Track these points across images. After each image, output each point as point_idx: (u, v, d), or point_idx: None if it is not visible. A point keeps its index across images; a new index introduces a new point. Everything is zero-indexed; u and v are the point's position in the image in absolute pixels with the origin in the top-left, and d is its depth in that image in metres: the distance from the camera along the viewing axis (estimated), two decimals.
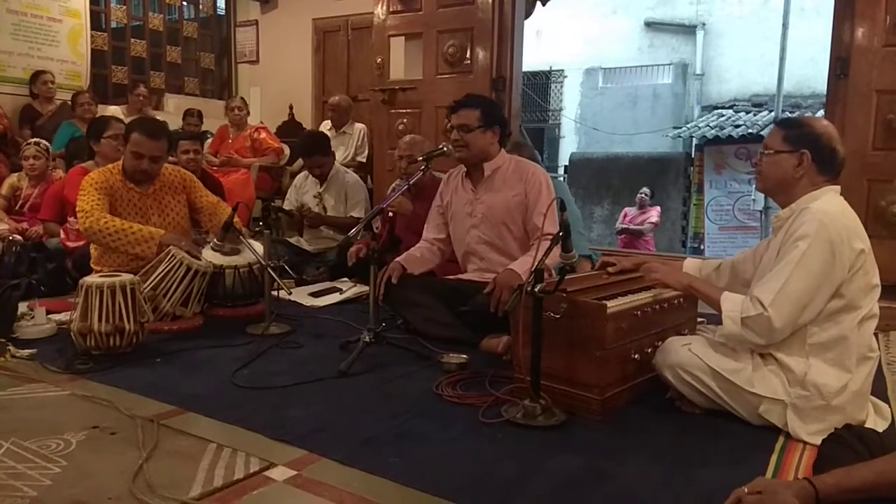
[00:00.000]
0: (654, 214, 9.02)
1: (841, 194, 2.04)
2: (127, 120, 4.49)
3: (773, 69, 10.44)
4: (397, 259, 3.07)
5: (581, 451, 1.89)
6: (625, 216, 9.13)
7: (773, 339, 1.95)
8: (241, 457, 1.77)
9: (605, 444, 1.94)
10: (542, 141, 13.43)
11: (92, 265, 3.29)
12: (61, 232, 3.96)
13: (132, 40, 6.89)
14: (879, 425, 1.99)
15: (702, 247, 10.46)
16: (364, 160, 5.75)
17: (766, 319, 1.90)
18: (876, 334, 2.09)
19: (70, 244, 3.84)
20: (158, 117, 5.16)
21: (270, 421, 2.03)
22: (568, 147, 13.10)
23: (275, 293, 3.09)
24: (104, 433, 1.92)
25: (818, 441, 1.74)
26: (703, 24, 12.01)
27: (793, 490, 1.21)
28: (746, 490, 1.25)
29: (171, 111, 6.67)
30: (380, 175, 5.42)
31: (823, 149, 1.99)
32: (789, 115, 10.32)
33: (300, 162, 5.22)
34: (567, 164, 12.30)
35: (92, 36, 6.40)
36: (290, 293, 3.12)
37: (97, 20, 6.58)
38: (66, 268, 3.71)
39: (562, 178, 11.46)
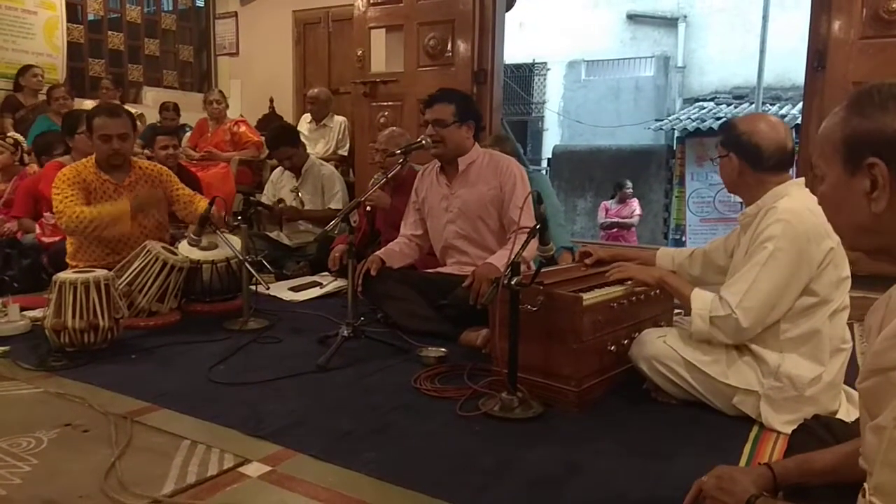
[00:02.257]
0: (637, 206, 9.05)
1: None
2: None
3: (753, 61, 10.50)
4: (376, 252, 3.06)
5: (558, 442, 1.89)
6: (606, 210, 9.14)
7: (741, 338, 1.97)
8: (215, 453, 1.76)
9: (581, 435, 1.95)
10: (525, 134, 13.44)
11: (67, 260, 3.25)
12: (37, 227, 3.91)
13: (109, 33, 6.81)
14: (852, 414, 2.01)
15: (683, 238, 10.52)
16: (345, 153, 5.73)
17: (734, 321, 1.92)
18: (851, 324, 2.11)
19: (46, 240, 3.79)
20: (136, 111, 5.11)
21: (246, 417, 2.01)
22: (551, 140, 13.10)
23: (253, 288, 3.07)
24: (76, 431, 1.89)
25: (790, 430, 1.76)
26: (685, 17, 12.05)
27: (751, 476, 1.23)
28: (705, 479, 1.27)
29: (150, 104, 6.61)
30: (361, 168, 5.39)
31: (744, 147, 2.00)
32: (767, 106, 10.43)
33: None
34: (550, 156, 12.32)
35: (68, 28, 6.32)
36: (267, 288, 3.10)
37: (73, 12, 6.49)
38: (42, 263, 3.67)
39: (543, 171, 11.46)
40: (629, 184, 9.13)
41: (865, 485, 0.87)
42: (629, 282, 2.31)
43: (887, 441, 0.82)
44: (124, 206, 3.10)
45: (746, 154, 2.00)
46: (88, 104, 5.62)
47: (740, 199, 2.24)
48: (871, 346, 0.91)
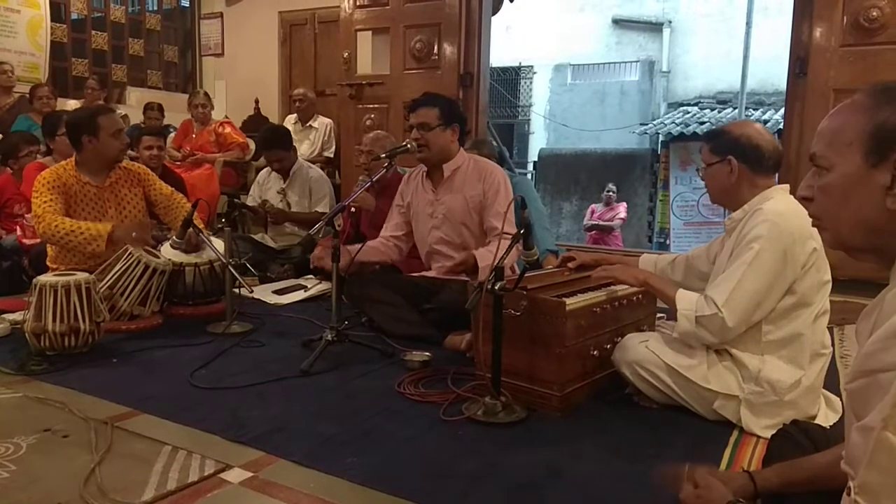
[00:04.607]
0: (621, 210, 9.12)
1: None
2: None
3: (737, 67, 10.62)
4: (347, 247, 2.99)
5: (540, 447, 1.90)
6: (592, 213, 9.21)
7: (725, 338, 1.99)
8: (196, 459, 1.75)
9: (563, 439, 1.96)
10: (511, 137, 13.49)
11: (48, 263, 3.22)
12: (17, 229, 3.87)
13: (93, 32, 6.77)
14: (830, 418, 2.04)
15: (667, 242, 10.60)
16: (331, 155, 5.72)
17: (719, 319, 1.94)
18: (830, 329, 2.14)
19: (27, 241, 3.75)
20: (120, 111, 5.06)
21: (228, 422, 2.00)
22: (537, 143, 13.16)
23: (236, 291, 3.05)
24: (56, 436, 1.87)
25: (770, 435, 1.77)
26: (670, 22, 12.16)
27: (732, 486, 1.23)
28: (687, 468, 1.28)
29: (134, 104, 6.56)
30: (346, 170, 5.39)
31: (746, 149, 2.03)
32: (751, 114, 10.51)
33: None
34: (536, 159, 12.36)
35: (51, 27, 6.26)
36: (250, 291, 3.08)
37: (57, 11, 6.44)
38: (23, 266, 3.62)
39: (528, 175, 11.51)
40: (612, 188, 9.20)
41: (851, 483, 0.88)
42: (610, 286, 2.32)
43: (874, 441, 0.81)
44: (105, 229, 3.01)
45: (747, 156, 2.02)
46: (71, 104, 5.58)
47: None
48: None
